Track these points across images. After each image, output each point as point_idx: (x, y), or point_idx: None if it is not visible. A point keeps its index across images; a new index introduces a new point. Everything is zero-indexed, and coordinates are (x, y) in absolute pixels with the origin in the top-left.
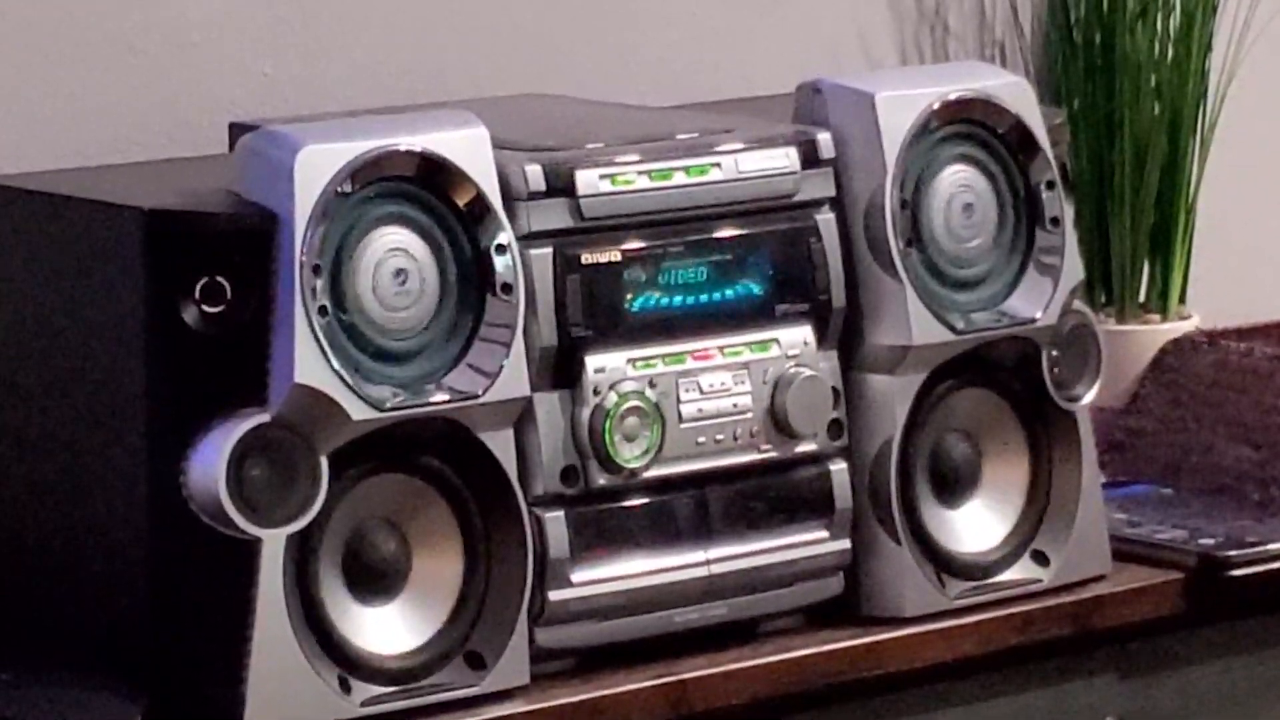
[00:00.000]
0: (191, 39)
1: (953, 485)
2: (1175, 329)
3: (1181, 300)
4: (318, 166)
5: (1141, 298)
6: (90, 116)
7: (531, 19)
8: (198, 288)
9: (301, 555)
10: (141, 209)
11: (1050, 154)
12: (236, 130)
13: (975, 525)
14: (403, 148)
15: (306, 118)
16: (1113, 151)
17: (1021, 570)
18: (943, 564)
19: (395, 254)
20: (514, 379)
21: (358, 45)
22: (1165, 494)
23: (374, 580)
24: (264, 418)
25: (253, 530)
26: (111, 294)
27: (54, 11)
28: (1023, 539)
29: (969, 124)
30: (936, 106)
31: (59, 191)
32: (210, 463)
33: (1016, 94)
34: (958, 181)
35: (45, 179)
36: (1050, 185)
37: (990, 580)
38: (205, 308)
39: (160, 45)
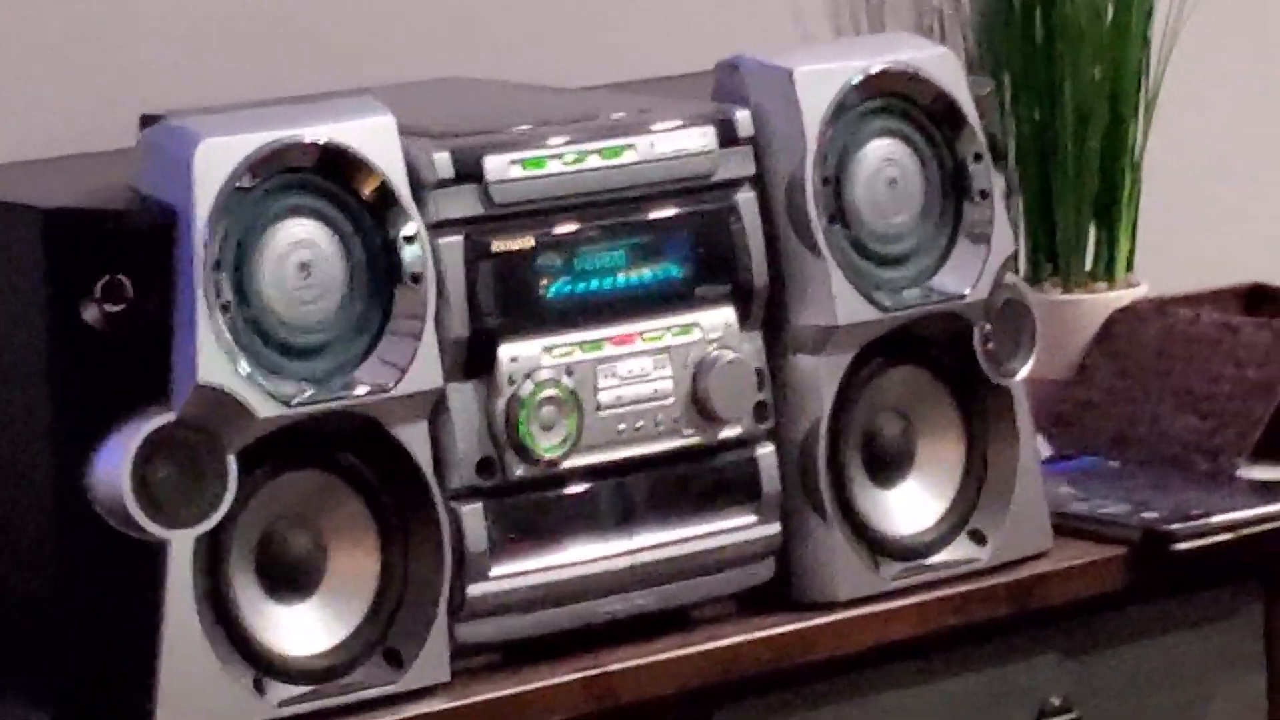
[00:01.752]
0: (107, 29)
1: (886, 465)
2: (1123, 297)
3: (1129, 268)
4: (217, 160)
5: (1089, 266)
6: (10, 111)
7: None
8: (98, 287)
9: (212, 555)
10: (39, 208)
11: (978, 125)
12: (147, 122)
13: (910, 505)
14: (304, 138)
15: (220, 108)
16: (1054, 119)
17: (958, 550)
18: (876, 545)
19: (299, 247)
20: (426, 371)
21: (277, 32)
22: (1112, 467)
23: (288, 579)
24: (168, 417)
25: (159, 532)
26: (12, 294)
27: None
28: (959, 518)
29: (893, 97)
30: (857, 81)
31: None
32: (114, 464)
33: (941, 65)
34: (882, 156)
35: None
36: (978, 157)
37: (926, 561)
38: (106, 307)
39: (77, 37)
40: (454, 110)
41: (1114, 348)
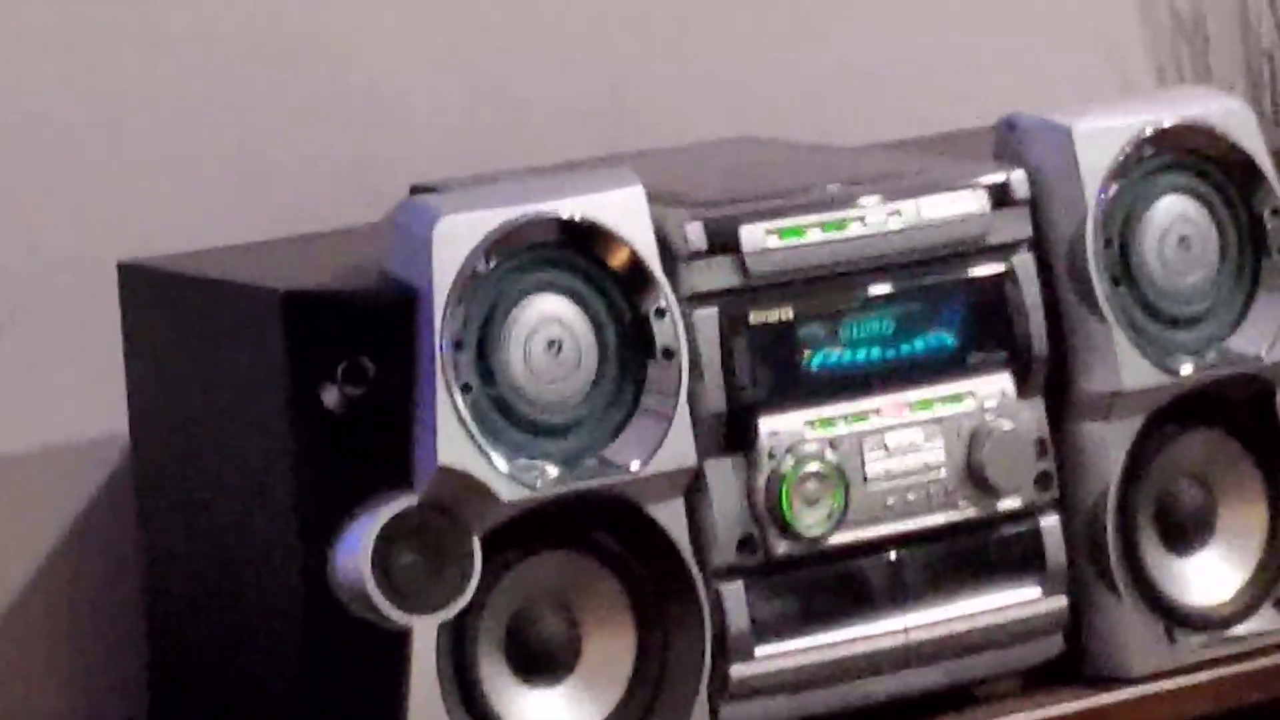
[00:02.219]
0: (379, 98)
1: (1183, 533)
2: None
3: None
4: (457, 238)
5: None
6: (278, 183)
7: (743, 59)
8: (339, 370)
9: (458, 640)
10: (278, 290)
11: (1275, 180)
12: (417, 193)
13: (1209, 575)
14: (546, 213)
15: (489, 177)
16: None
17: (1263, 621)
18: (1172, 617)
19: (547, 324)
20: (680, 448)
21: (557, 94)
22: None
23: (540, 663)
24: (410, 501)
25: (402, 619)
26: (254, 378)
27: (246, 79)
28: (1263, 587)
29: (1182, 153)
30: (1142, 137)
31: (203, 274)
32: (355, 550)
33: (1234, 118)
34: (1172, 214)
35: (199, 258)
36: (1276, 213)
37: (1227, 633)
38: (347, 389)
39: (346, 107)
40: (713, 177)
41: None
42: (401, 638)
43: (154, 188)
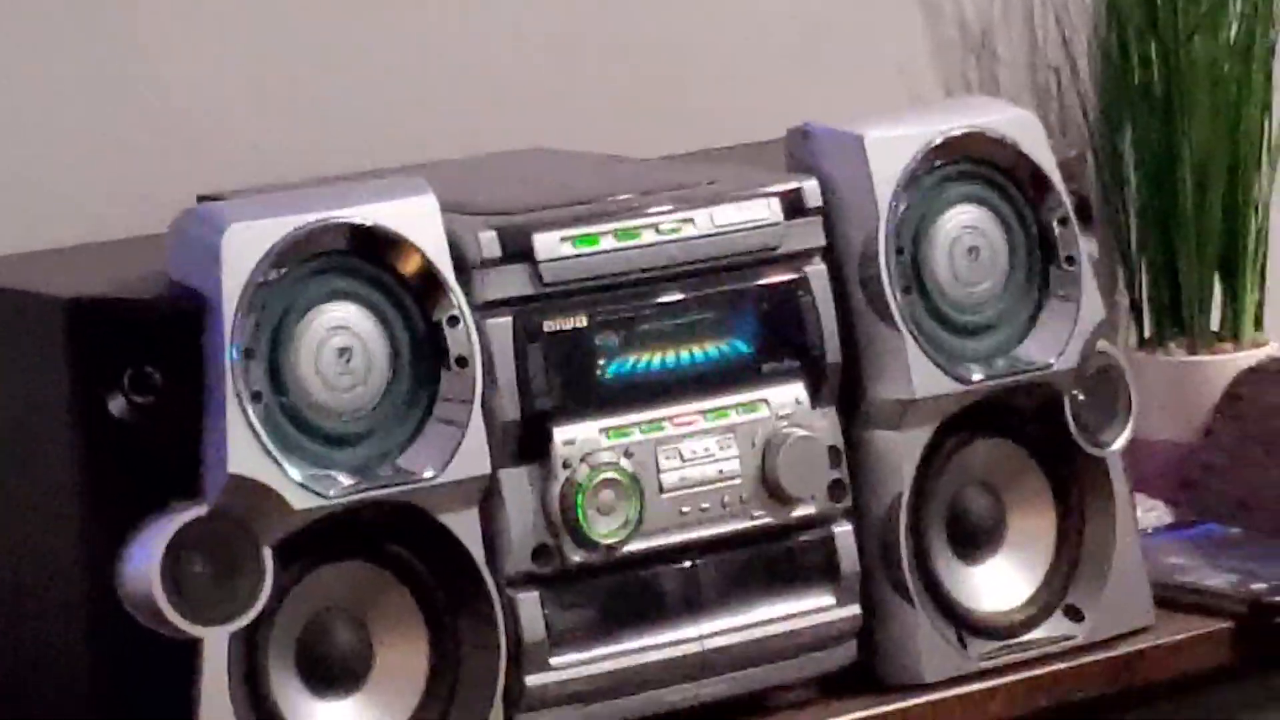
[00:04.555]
0: (166, 107)
1: (973, 541)
2: (1250, 357)
3: (1258, 327)
4: (245, 245)
5: (1215, 326)
6: (61, 193)
7: (534, 70)
8: (125, 378)
9: (249, 652)
10: (61, 298)
11: (1063, 189)
12: (205, 203)
13: (1000, 582)
14: (336, 220)
15: (276, 187)
16: (1174, 177)
17: (1053, 627)
18: (964, 624)
19: (338, 332)
20: (474, 457)
21: (344, 107)
22: (1233, 534)
23: (332, 675)
24: (200, 511)
25: (192, 630)
26: (38, 387)
27: (27, 84)
28: (1053, 594)
29: (972, 163)
30: (932, 146)
31: None
32: (145, 560)
33: (1023, 129)
34: (962, 223)
35: None
36: (1064, 222)
37: (1018, 639)
38: (134, 398)
39: (132, 115)
40: (507, 186)
41: (1239, 410)
42: (192, 648)
43: None
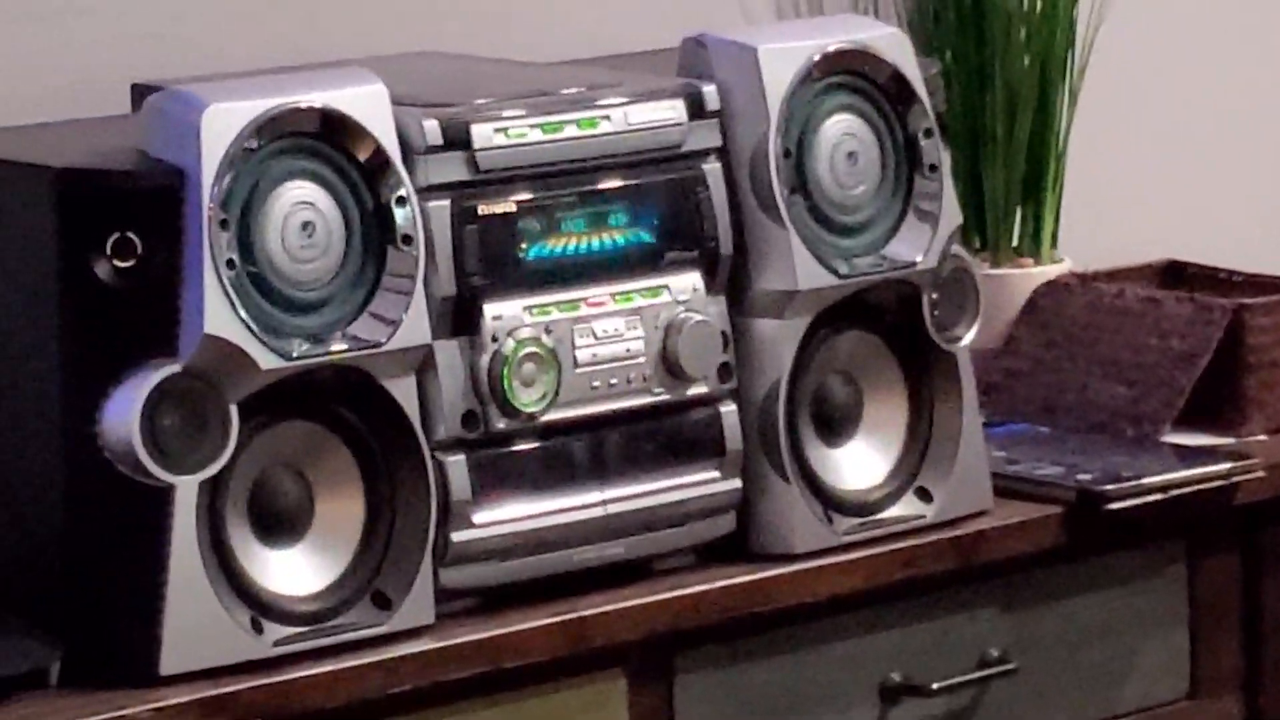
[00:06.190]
0: (90, 3)
1: (836, 425)
2: (1047, 272)
3: (1054, 244)
4: (223, 123)
5: (1015, 242)
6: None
7: None
8: (109, 243)
9: (212, 501)
10: (52, 167)
11: (928, 103)
12: (139, 91)
13: (859, 463)
14: (305, 104)
15: (205, 78)
16: (985, 100)
17: (905, 507)
18: (830, 502)
19: (302, 207)
20: (415, 328)
21: (251, 7)
22: (1042, 432)
23: (280, 524)
24: (175, 368)
25: (166, 477)
26: (24, 251)
27: None
28: (906, 477)
29: (850, 75)
30: (818, 58)
31: None
32: (124, 412)
33: (894, 45)
34: (841, 130)
35: None
36: (928, 133)
37: (875, 517)
38: (116, 262)
39: (60, 10)
40: (436, 82)
41: (1040, 320)
42: (164, 497)
43: None
